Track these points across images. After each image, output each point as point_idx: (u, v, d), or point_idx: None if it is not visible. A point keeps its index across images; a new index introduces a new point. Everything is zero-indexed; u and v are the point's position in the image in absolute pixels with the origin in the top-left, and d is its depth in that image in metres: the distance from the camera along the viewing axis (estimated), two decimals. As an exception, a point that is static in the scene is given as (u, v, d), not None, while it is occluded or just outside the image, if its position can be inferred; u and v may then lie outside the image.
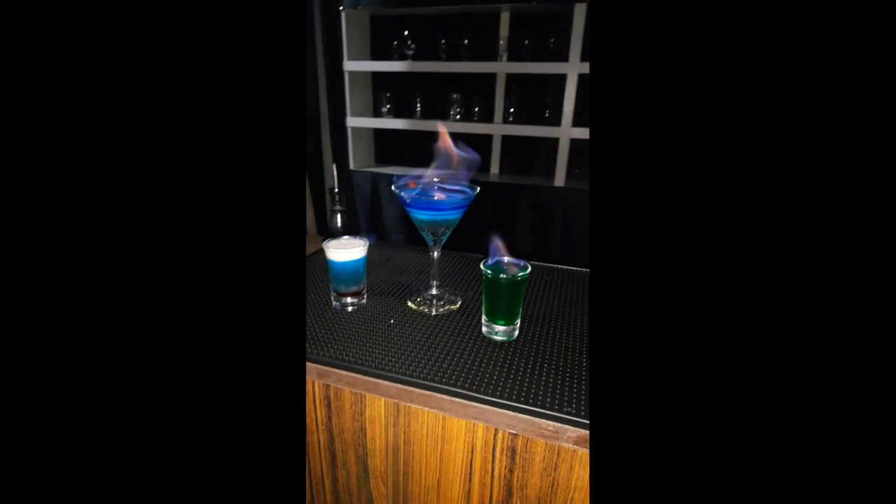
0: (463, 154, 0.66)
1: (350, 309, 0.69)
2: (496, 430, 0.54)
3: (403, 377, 0.56)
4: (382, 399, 0.58)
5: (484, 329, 0.64)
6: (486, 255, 0.64)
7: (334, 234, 1.02)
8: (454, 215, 0.65)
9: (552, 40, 1.54)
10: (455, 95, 1.63)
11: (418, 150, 1.80)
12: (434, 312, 0.70)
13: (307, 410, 0.63)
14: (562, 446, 0.52)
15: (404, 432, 0.59)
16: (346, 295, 0.69)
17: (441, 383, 0.55)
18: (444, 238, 0.68)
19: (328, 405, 0.61)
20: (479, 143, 1.69)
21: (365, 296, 0.71)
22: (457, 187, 0.66)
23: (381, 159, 1.90)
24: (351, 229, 1.01)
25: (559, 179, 1.57)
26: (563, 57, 1.49)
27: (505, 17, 1.58)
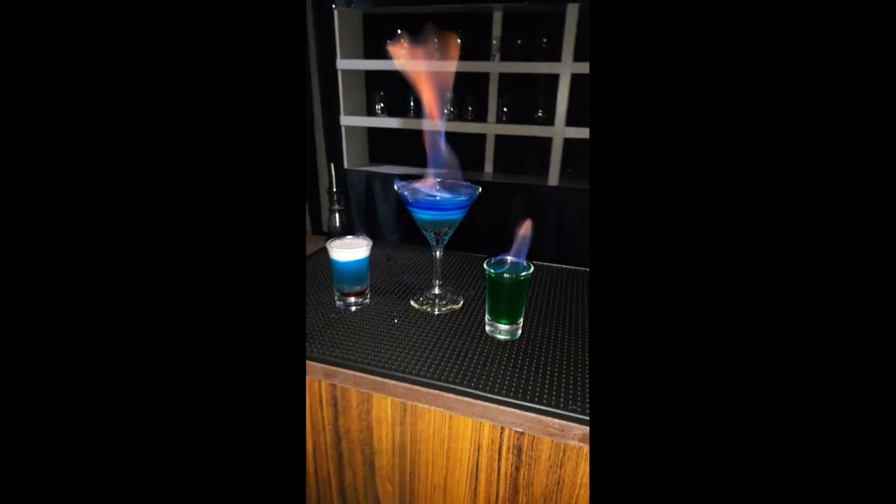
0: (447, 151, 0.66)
1: (353, 309, 0.70)
2: (502, 428, 0.54)
3: (410, 376, 0.56)
4: (389, 398, 0.58)
5: (487, 328, 0.65)
6: (489, 254, 0.65)
7: (333, 233, 1.02)
8: (457, 215, 0.66)
9: (545, 40, 1.55)
10: (448, 95, 1.63)
11: (412, 148, 1.80)
12: (437, 312, 0.70)
13: (313, 411, 0.63)
14: (567, 444, 0.53)
15: (411, 431, 0.59)
16: (349, 294, 0.69)
17: (447, 382, 0.55)
18: (447, 238, 0.69)
19: (335, 405, 0.61)
20: (473, 143, 1.69)
21: (368, 295, 0.71)
22: (459, 187, 0.67)
23: (374, 158, 1.90)
24: (348, 229, 1.01)
25: (553, 179, 1.58)
26: (555, 57, 1.50)
27: (497, 17, 1.59)
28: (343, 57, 1.67)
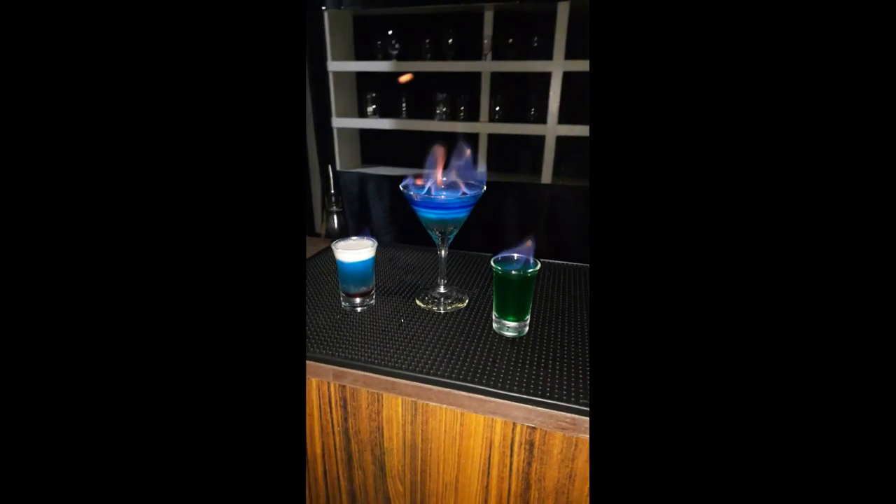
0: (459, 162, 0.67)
1: (359, 310, 0.70)
2: (514, 424, 0.55)
3: (421, 375, 0.56)
4: (400, 398, 0.58)
5: (494, 325, 0.65)
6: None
7: (332, 235, 1.02)
8: (462, 213, 0.66)
9: (536, 39, 1.56)
10: (441, 95, 1.64)
11: (405, 150, 1.80)
12: (443, 311, 0.70)
13: (322, 413, 0.63)
14: (579, 437, 0.53)
15: (422, 430, 0.59)
16: (355, 295, 0.69)
17: (458, 380, 0.55)
18: (452, 237, 0.69)
19: (344, 406, 0.61)
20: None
21: (374, 296, 0.71)
22: (463, 185, 0.67)
23: (367, 160, 1.89)
24: (346, 230, 1.00)
25: (546, 177, 1.59)
26: (547, 55, 1.51)
27: (489, 17, 1.59)
28: (334, 59, 1.67)
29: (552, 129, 1.55)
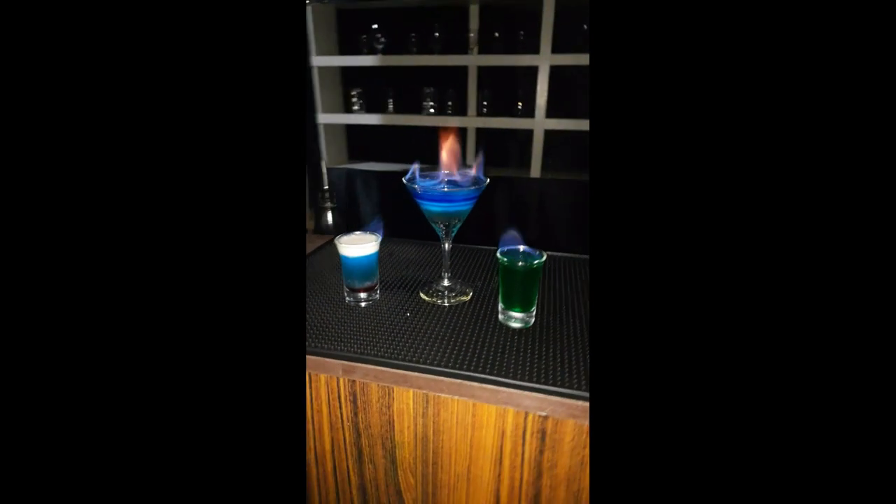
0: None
1: (364, 304, 0.69)
2: (527, 413, 0.55)
3: (433, 367, 0.56)
4: (411, 391, 0.58)
5: (500, 317, 0.66)
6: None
7: (326, 231, 1.01)
8: (466, 206, 0.66)
9: (522, 33, 1.57)
10: (428, 89, 1.63)
11: (393, 145, 1.79)
12: (447, 304, 0.71)
13: (332, 408, 0.62)
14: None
15: (433, 422, 0.59)
16: (360, 290, 0.68)
17: (470, 371, 0.56)
18: (455, 230, 0.69)
19: (354, 401, 0.61)
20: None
21: (378, 290, 0.71)
22: (466, 178, 0.67)
23: (354, 156, 1.88)
24: (340, 226, 1.00)
25: (535, 171, 1.60)
26: (533, 49, 1.51)
27: (474, 10, 1.59)
28: (318, 54, 1.65)
29: (540, 123, 1.56)
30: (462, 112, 1.68)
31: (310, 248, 0.93)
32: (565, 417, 0.54)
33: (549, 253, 0.89)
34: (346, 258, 0.66)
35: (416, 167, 0.66)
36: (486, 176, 0.67)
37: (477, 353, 0.59)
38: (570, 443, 0.55)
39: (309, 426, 0.64)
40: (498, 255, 0.63)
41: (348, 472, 0.66)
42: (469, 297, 0.72)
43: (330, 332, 0.63)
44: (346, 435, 0.63)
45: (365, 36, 1.66)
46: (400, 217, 0.93)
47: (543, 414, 0.55)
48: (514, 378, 0.55)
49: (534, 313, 0.65)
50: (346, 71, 1.78)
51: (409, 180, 0.66)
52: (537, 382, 0.54)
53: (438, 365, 0.57)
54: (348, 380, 0.60)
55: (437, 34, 1.61)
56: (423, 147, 1.82)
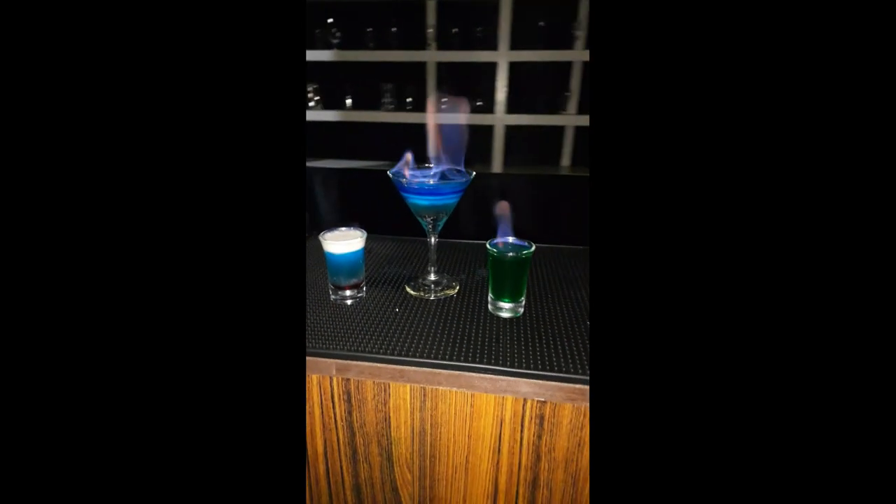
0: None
1: (349, 302, 0.68)
2: (525, 399, 0.56)
3: (430, 360, 0.56)
4: (408, 385, 0.58)
5: (490, 307, 0.67)
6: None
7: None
8: (453, 199, 0.66)
9: (480, 29, 1.58)
10: (387, 85, 1.62)
11: (351, 141, 1.76)
12: (433, 297, 0.70)
13: (325, 409, 0.61)
14: (587, 406, 0.56)
15: (431, 416, 0.59)
16: (346, 288, 0.67)
17: (467, 361, 0.56)
18: (441, 224, 0.69)
19: (348, 400, 0.60)
20: (414, 133, 1.69)
21: (364, 287, 0.70)
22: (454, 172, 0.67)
23: (312, 153, 1.83)
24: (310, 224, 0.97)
25: (496, 166, 1.62)
26: (491, 45, 1.53)
27: (431, 6, 1.59)
28: (271, 47, 1.59)
29: (500, 118, 1.58)
30: (421, 108, 1.67)
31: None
32: (563, 401, 0.55)
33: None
34: (332, 255, 0.65)
35: (408, 155, 0.65)
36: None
37: (472, 344, 0.59)
38: (568, 425, 0.57)
39: (301, 429, 0.63)
40: (488, 246, 0.64)
41: (342, 474, 0.65)
42: (455, 291, 0.72)
43: (319, 332, 0.61)
44: (340, 435, 0.62)
45: (319, 30, 1.62)
46: (362, 214, 0.92)
47: (542, 399, 0.56)
48: (511, 366, 0.55)
49: (523, 303, 0.66)
50: (300, 66, 1.73)
51: (398, 171, 0.65)
52: (535, 369, 0.55)
53: (435, 358, 0.57)
54: (342, 378, 0.59)
55: (394, 29, 1.60)
56: (383, 144, 1.81)
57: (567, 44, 1.59)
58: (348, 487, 0.65)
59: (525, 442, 0.59)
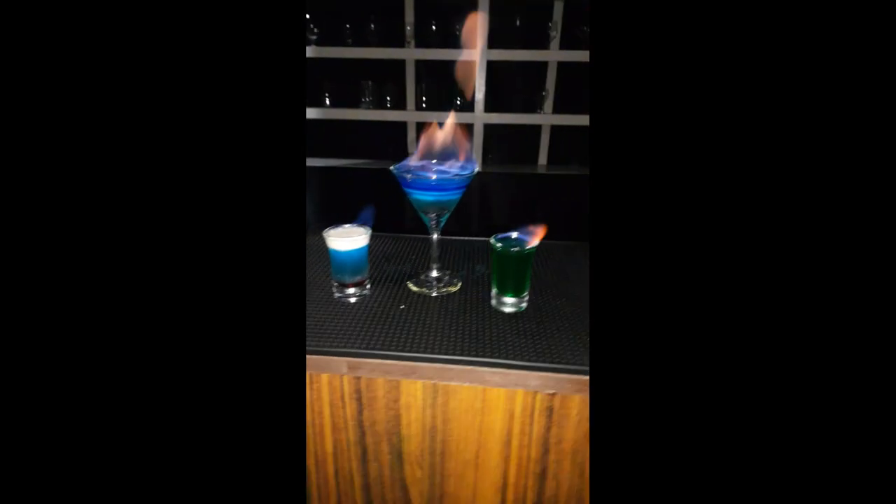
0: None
1: (353, 300, 0.67)
2: (535, 393, 0.57)
3: (442, 356, 0.56)
4: (420, 382, 0.58)
5: (493, 302, 0.67)
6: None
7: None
8: (457, 195, 0.66)
9: (458, 27, 1.59)
10: (366, 83, 1.61)
11: (330, 140, 1.74)
12: (435, 294, 0.71)
13: (335, 409, 0.60)
14: (595, 396, 0.57)
15: (442, 412, 0.59)
16: (350, 285, 0.66)
17: (478, 356, 0.56)
18: (444, 220, 0.69)
19: (359, 398, 0.59)
20: (394, 131, 1.68)
21: (368, 285, 0.69)
22: (454, 168, 0.67)
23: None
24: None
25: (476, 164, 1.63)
26: (470, 42, 1.54)
27: (409, 2, 1.59)
28: (246, 42, 1.55)
29: (480, 117, 1.59)
30: (401, 106, 1.67)
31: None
32: (572, 393, 0.57)
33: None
34: (337, 252, 0.64)
35: (403, 165, 0.65)
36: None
37: (480, 338, 0.60)
38: (576, 417, 0.58)
39: (309, 430, 0.62)
40: (492, 241, 0.64)
41: (351, 473, 0.64)
42: (457, 288, 0.73)
43: (327, 330, 0.61)
44: (350, 435, 0.61)
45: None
46: (346, 212, 0.91)
47: (551, 392, 0.57)
48: (520, 360, 0.56)
49: (526, 297, 0.67)
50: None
51: (398, 168, 0.65)
52: (543, 362, 0.56)
53: (446, 353, 0.57)
54: (353, 377, 0.58)
55: (372, 26, 1.59)
56: (363, 142, 1.79)
57: (543, 44, 1.61)
58: (357, 487, 0.65)
59: (534, 435, 0.60)
